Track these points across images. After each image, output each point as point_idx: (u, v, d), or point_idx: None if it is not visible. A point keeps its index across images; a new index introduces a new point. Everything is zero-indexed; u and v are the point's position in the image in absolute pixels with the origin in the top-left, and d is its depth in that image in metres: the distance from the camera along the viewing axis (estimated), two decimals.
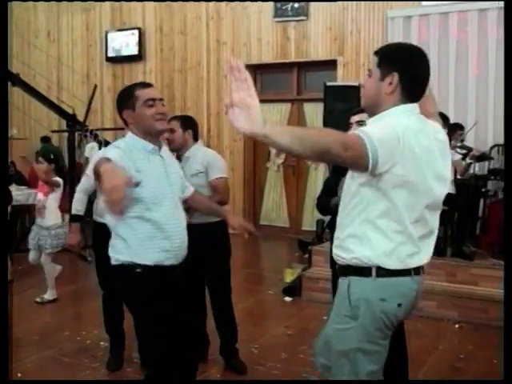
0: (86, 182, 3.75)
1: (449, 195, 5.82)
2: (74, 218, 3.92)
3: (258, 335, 4.51)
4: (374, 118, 2.11)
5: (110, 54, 9.72)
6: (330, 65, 8.04)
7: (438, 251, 5.46)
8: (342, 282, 2.13)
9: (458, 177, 5.80)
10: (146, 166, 2.62)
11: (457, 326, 4.84)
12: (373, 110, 2.13)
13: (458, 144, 5.71)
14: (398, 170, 1.93)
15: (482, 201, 6.17)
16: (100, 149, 7.95)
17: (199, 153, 3.76)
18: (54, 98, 8.78)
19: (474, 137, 6.73)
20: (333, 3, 7.91)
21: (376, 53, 2.14)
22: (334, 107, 7.15)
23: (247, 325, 4.60)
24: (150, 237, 2.64)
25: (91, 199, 4.09)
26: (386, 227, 2.01)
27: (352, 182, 2.10)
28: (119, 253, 2.69)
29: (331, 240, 2.67)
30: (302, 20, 8.18)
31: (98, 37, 9.92)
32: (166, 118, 2.73)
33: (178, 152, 3.76)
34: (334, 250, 2.18)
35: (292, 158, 8.75)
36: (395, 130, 1.93)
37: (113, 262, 2.73)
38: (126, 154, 2.60)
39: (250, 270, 6.90)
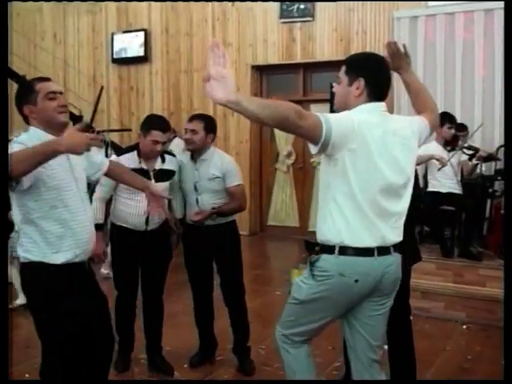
0: (102, 190, 3.68)
1: (456, 196, 5.84)
2: (96, 227, 3.80)
3: (265, 336, 4.48)
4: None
5: (116, 55, 9.74)
6: (336, 65, 7.96)
7: (446, 252, 5.45)
8: (314, 257, 2.39)
9: (465, 177, 5.79)
10: (50, 161, 2.51)
11: (464, 326, 4.83)
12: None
13: (466, 145, 5.69)
14: (351, 152, 2.20)
15: (489, 201, 6.16)
16: (107, 150, 7.97)
17: (216, 157, 3.71)
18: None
19: (481, 137, 6.72)
20: (339, 4, 7.91)
21: (344, 62, 2.44)
22: None
23: (255, 325, 4.57)
24: (59, 236, 2.63)
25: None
26: (346, 208, 2.27)
27: (322, 174, 2.38)
28: (28, 252, 2.66)
29: None
30: (308, 21, 8.18)
31: (104, 38, 9.93)
32: (67, 111, 2.72)
33: (194, 153, 3.73)
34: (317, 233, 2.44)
35: (300, 159, 8.79)
36: (352, 119, 2.22)
37: (22, 260, 2.71)
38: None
39: (258, 270, 6.89)
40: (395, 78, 2.65)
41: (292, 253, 7.72)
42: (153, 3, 9.41)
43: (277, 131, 8.94)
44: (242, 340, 3.93)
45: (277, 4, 8.35)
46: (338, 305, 2.39)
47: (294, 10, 8.24)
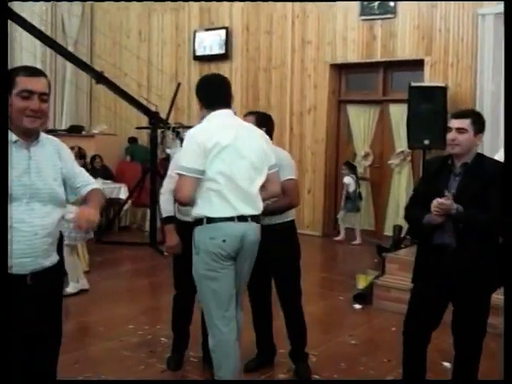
0: (170, 182, 3.67)
1: None
2: (167, 220, 3.74)
3: (319, 342, 4.35)
4: (201, 123, 3.10)
5: (198, 52, 9.85)
6: (417, 65, 7.73)
7: None
8: (193, 233, 3.03)
9: None
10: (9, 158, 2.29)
11: None
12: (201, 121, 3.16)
13: None
14: (214, 160, 2.92)
15: None
16: (181, 146, 8.09)
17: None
18: (143, 97, 8.99)
19: None
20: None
21: None
22: (419, 109, 6.87)
23: (311, 330, 4.40)
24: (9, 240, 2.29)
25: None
26: (212, 195, 2.96)
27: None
28: None
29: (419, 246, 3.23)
30: (389, 18, 7.91)
31: (187, 36, 10.07)
32: (40, 116, 2.38)
33: None
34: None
35: (377, 161, 8.55)
36: (191, 137, 2.98)
37: None
38: None
39: (324, 273, 6.76)
40: None
41: (363, 257, 7.47)
42: (235, 2, 9.44)
43: (354, 131, 8.76)
44: (299, 346, 3.81)
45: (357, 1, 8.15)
46: (223, 264, 2.98)
47: (375, 7, 7.99)
